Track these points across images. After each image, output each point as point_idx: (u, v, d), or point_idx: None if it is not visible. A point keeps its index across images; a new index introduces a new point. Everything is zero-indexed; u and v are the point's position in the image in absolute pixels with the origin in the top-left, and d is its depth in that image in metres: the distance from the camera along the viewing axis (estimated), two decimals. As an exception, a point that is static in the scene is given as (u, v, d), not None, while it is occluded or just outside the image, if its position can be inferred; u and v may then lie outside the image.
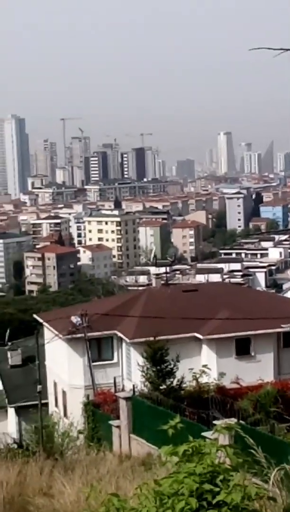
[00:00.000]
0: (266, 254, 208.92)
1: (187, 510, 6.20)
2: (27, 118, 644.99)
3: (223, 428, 7.22)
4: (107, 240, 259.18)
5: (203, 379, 35.66)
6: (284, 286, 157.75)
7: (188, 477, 6.37)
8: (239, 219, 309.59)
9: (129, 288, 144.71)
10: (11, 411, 49.67)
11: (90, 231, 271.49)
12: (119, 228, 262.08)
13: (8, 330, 61.28)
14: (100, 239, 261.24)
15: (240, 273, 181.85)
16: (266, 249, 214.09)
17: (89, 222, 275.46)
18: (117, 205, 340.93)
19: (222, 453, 6.70)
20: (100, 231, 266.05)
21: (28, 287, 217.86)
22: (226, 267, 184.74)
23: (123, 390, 39.95)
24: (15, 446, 39.43)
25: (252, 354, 42.12)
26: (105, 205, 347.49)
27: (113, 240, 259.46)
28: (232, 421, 22.35)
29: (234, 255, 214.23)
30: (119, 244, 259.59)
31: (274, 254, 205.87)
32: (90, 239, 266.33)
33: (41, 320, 48.06)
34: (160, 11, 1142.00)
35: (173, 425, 7.17)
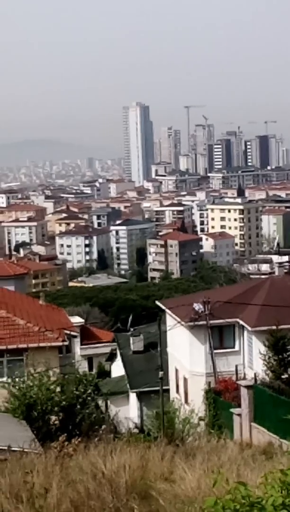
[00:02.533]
0: None
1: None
2: (151, 105, 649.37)
3: None
4: (229, 228, 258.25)
5: None
6: None
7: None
8: None
9: (251, 276, 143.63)
10: (133, 396, 50.18)
11: (212, 218, 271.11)
12: (241, 216, 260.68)
13: (130, 316, 61.90)
14: (222, 226, 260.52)
15: None
16: None
17: (212, 209, 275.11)
18: (240, 193, 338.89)
19: None
20: (222, 219, 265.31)
21: (150, 274, 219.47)
22: None
23: (244, 378, 39.72)
24: (137, 431, 39.89)
25: None
26: (228, 193, 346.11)
27: (235, 228, 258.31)
28: None
29: None
30: (242, 232, 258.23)
31: None
32: (213, 227, 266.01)
33: (163, 307, 48.27)
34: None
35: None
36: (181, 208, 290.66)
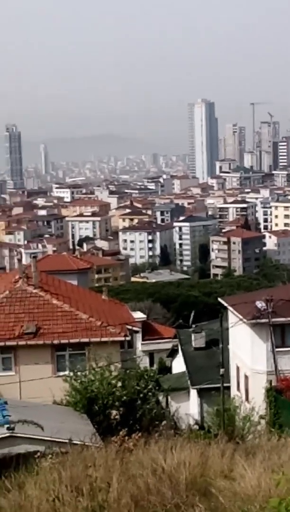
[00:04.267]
0: None
1: None
2: (217, 102, 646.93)
3: None
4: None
5: None
6: None
7: None
8: None
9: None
10: (193, 393, 50.15)
11: (276, 216, 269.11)
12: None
13: (192, 313, 61.83)
14: (286, 224, 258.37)
15: None
16: None
17: (276, 207, 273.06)
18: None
19: None
20: (286, 216, 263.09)
21: (213, 271, 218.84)
22: None
23: (306, 378, 39.37)
24: (197, 427, 39.87)
25: None
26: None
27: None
28: None
29: None
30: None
31: None
32: (276, 225, 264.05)
33: (225, 304, 48.10)
34: None
35: None
36: (244, 205, 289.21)
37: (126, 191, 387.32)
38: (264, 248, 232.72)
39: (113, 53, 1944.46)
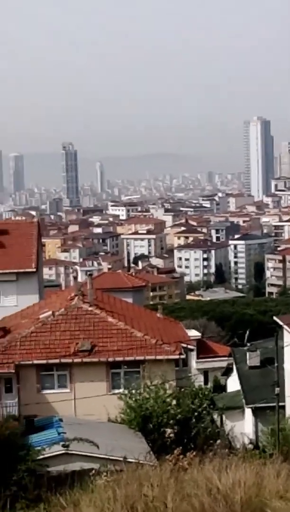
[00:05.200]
0: None
1: None
2: (272, 120, 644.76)
3: None
4: None
5: None
6: None
7: None
8: None
9: None
10: (248, 412, 49.76)
11: None
12: None
13: (247, 331, 61.46)
14: None
15: None
16: None
17: None
18: None
19: None
20: None
21: (268, 289, 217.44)
22: None
23: None
24: (252, 446, 39.56)
25: None
26: None
27: None
28: None
29: None
30: None
31: None
32: None
33: (280, 323, 47.70)
34: None
35: None
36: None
37: (181, 209, 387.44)
38: None
39: (170, 73, 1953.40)
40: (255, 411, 47.58)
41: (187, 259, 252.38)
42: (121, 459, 24.11)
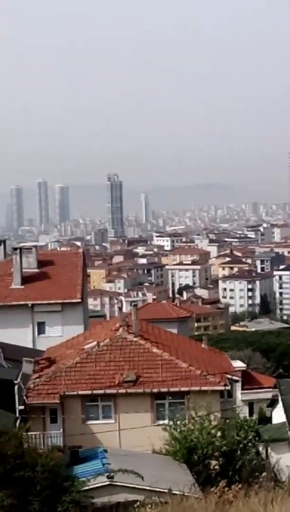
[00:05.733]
0: None
1: None
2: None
3: None
4: None
5: None
6: None
7: None
8: None
9: None
10: (294, 444, 49.18)
11: None
12: None
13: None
14: None
15: None
16: None
17: None
18: None
19: None
20: None
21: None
22: None
23: None
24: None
25: None
26: None
27: None
28: None
29: None
30: None
31: None
32: None
33: None
34: None
35: None
36: None
37: (226, 239, 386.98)
38: None
39: (213, 104, 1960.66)
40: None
41: (231, 290, 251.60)
42: (166, 491, 24.04)
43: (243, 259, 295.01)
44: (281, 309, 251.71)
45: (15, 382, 37.06)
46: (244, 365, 66.33)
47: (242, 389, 62.36)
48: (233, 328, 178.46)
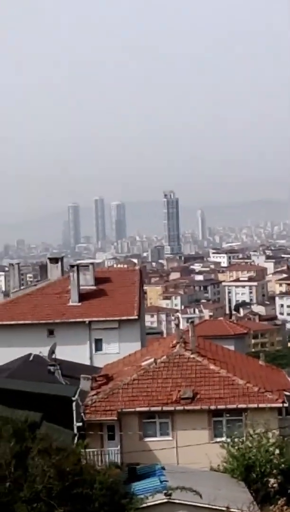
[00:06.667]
0: None
1: None
2: None
3: None
4: None
5: None
6: None
7: None
8: None
9: None
10: None
11: None
12: None
13: None
14: None
15: None
16: None
17: None
18: None
19: None
20: None
21: None
22: None
23: None
24: None
25: None
26: None
27: None
28: None
29: None
30: None
31: None
32: None
33: None
34: None
35: None
36: None
37: (283, 255, 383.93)
38: None
39: (268, 120, 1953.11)
40: None
41: (289, 306, 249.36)
42: (224, 509, 23.93)
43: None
44: None
45: (73, 399, 37.27)
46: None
47: (301, 407, 61.72)
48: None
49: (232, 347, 57.02)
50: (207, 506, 27.54)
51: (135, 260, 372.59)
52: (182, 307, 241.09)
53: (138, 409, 38.88)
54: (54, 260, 62.75)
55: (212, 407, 38.77)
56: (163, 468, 33.82)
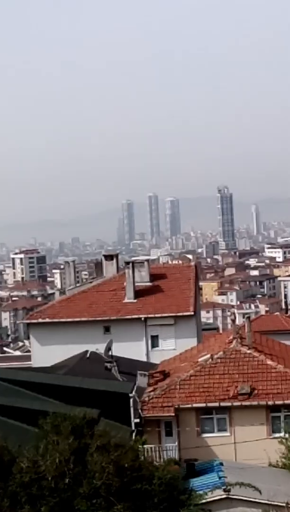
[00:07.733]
0: None
1: None
2: None
3: None
4: None
5: None
6: None
7: None
8: None
9: None
10: None
11: None
12: None
13: None
14: None
15: None
16: None
17: None
18: None
19: None
20: None
21: None
22: None
23: None
24: None
25: None
26: None
27: None
28: None
29: None
30: None
31: None
32: None
33: None
34: None
35: None
36: None
37: None
38: None
39: None
40: None
41: None
42: (284, 504, 23.79)
43: None
44: None
45: (130, 395, 37.39)
46: None
47: None
48: None
49: (289, 343, 56.62)
50: (266, 502, 27.42)
51: (190, 256, 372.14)
52: (238, 303, 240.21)
53: (195, 405, 38.82)
54: (109, 257, 63.01)
55: (270, 403, 38.52)
56: (221, 464, 33.77)
